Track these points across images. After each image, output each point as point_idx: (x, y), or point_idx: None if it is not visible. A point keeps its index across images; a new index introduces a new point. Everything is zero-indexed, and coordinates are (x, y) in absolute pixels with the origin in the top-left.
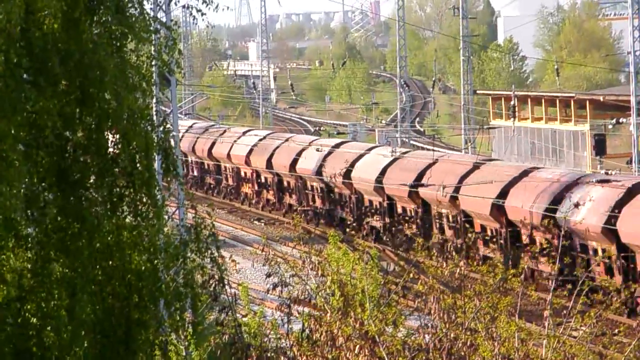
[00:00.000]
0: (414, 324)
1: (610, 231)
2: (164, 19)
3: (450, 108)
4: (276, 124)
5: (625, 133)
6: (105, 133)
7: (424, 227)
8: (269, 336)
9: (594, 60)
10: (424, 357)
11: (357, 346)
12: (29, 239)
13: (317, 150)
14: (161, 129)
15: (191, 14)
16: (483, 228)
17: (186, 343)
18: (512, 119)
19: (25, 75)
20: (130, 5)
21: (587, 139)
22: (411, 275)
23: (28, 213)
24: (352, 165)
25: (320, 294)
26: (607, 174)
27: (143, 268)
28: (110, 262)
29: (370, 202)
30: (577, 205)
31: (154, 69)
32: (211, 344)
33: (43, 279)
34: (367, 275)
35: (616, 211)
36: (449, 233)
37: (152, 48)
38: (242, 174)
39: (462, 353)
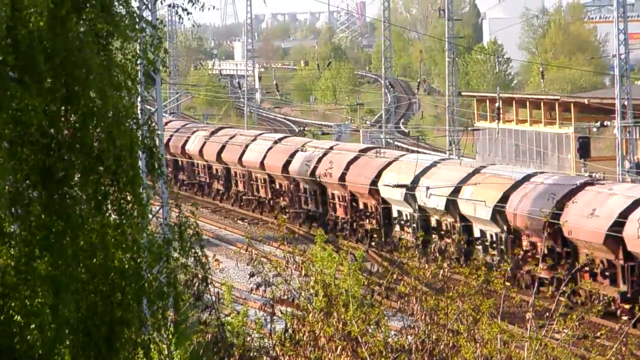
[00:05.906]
0: (397, 325)
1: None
2: (149, 18)
3: (435, 109)
4: (261, 124)
5: (610, 136)
6: (90, 131)
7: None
8: (252, 335)
9: (579, 63)
10: (406, 358)
11: (339, 347)
12: (13, 236)
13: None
14: (146, 127)
15: (177, 13)
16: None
17: (168, 342)
18: (496, 121)
19: (10, 73)
20: (116, 3)
21: (571, 141)
22: (395, 276)
23: (12, 210)
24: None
25: (303, 294)
26: (590, 177)
27: (126, 266)
28: (94, 260)
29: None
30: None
31: (139, 67)
32: (194, 343)
33: (27, 277)
34: (350, 275)
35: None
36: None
37: (138, 47)
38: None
39: (444, 354)
